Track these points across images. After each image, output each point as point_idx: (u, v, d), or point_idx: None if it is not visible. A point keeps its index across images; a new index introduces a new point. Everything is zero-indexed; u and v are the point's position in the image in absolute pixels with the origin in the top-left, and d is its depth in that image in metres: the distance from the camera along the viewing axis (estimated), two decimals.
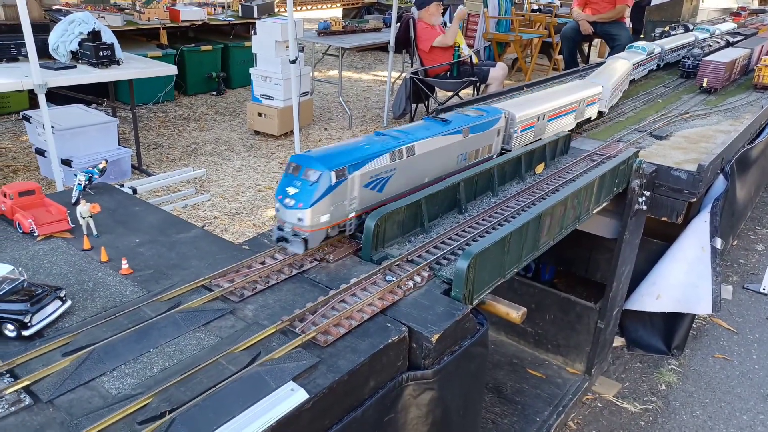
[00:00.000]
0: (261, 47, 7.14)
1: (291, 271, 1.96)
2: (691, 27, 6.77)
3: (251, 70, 7.23)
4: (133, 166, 6.00)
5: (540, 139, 2.89)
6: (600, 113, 3.61)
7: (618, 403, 3.46)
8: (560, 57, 10.45)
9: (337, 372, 1.49)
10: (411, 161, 2.08)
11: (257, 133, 7.30)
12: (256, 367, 1.46)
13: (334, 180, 1.75)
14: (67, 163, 5.28)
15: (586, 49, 11.27)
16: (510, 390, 3.08)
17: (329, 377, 1.47)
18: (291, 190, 1.78)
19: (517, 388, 3.11)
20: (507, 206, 2.49)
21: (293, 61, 6.06)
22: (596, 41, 11.05)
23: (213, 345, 1.56)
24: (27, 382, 1.35)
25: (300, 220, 1.78)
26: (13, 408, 1.29)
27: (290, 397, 1.38)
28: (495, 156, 2.70)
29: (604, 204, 2.90)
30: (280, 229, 1.85)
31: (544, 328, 3.47)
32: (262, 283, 1.87)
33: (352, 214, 1.91)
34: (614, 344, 3.89)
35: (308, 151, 1.84)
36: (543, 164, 2.92)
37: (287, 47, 6.41)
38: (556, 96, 3.15)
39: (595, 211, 2.81)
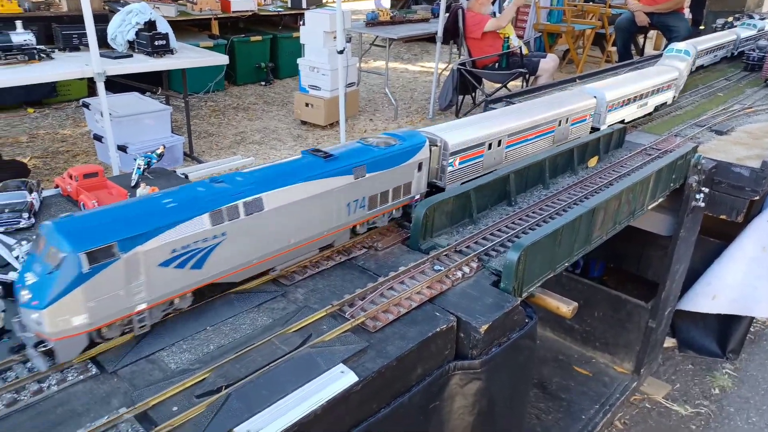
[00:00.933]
0: (309, 38, 7.21)
1: (340, 258, 1.98)
2: (756, 17, 6.43)
3: (299, 61, 7.32)
4: (185, 153, 6.19)
5: (495, 170, 2.36)
6: (594, 129, 3.02)
7: (668, 404, 3.36)
8: (613, 49, 10.13)
9: (386, 357, 1.50)
10: (254, 221, 1.53)
11: (304, 123, 7.40)
12: (307, 349, 1.49)
13: (86, 265, 1.22)
14: (122, 148, 5.48)
15: (641, 41, 10.88)
16: (555, 386, 3.03)
17: (378, 362, 1.48)
18: (29, 278, 1.25)
19: (562, 385, 3.06)
20: (558, 199, 2.45)
21: (341, 52, 6.09)
22: (652, 33, 10.64)
23: (266, 325, 1.60)
24: (94, 353, 1.42)
25: (39, 324, 1.25)
26: (81, 376, 1.36)
27: (340, 378, 1.41)
28: (418, 197, 2.11)
29: (660, 200, 2.81)
30: (23, 329, 1.30)
31: (592, 325, 3.40)
32: (312, 268, 1.91)
33: (143, 305, 1.38)
34: (665, 345, 3.77)
35: (67, 215, 1.32)
36: (597, 157, 2.85)
37: (335, 38, 6.44)
38: (522, 114, 2.56)
39: (650, 207, 2.72)
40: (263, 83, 9.25)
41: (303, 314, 1.65)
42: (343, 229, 1.87)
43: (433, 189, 2.24)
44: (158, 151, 2.61)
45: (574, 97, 2.95)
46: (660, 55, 4.15)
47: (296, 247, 1.73)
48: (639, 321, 3.22)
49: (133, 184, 2.42)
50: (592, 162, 2.84)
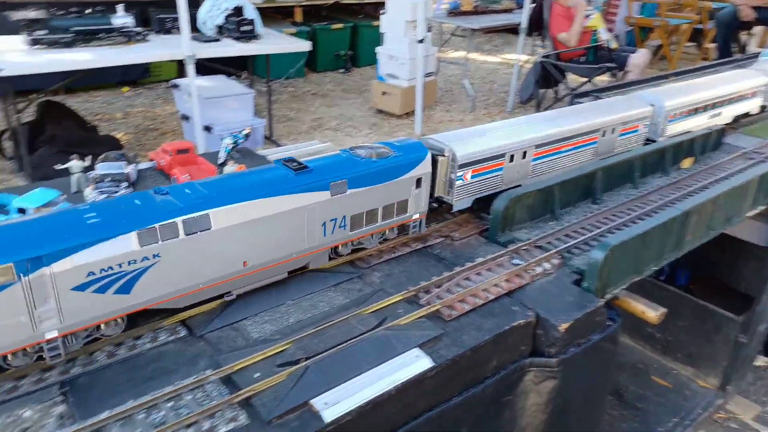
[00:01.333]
0: (389, 26, 7.22)
1: (416, 245, 1.98)
2: None
3: (378, 49, 7.35)
4: (265, 137, 6.39)
5: (520, 185, 2.09)
6: (649, 141, 2.64)
7: (757, 427, 3.12)
8: (712, 45, 9.47)
9: (461, 346, 1.49)
10: (198, 241, 1.33)
11: (380, 111, 7.44)
12: (383, 330, 1.50)
13: None
14: (207, 128, 5.73)
15: (743, 37, 10.10)
16: (631, 395, 2.89)
17: (453, 350, 1.47)
18: None
19: (639, 394, 2.92)
20: (648, 200, 2.33)
21: (421, 41, 6.06)
22: (758, 29, 9.84)
23: (342, 305, 1.63)
24: (183, 317, 1.50)
25: None
26: (172, 337, 1.44)
27: (415, 362, 1.41)
28: (417, 217, 1.84)
29: (761, 208, 2.60)
30: None
31: (674, 335, 3.21)
32: (388, 253, 1.92)
33: (53, 333, 1.21)
34: (757, 363, 3.50)
35: None
36: (693, 158, 2.68)
37: (415, 27, 6.41)
38: (555, 122, 2.21)
39: (748, 215, 2.54)
40: (342, 71, 9.37)
41: (379, 297, 1.66)
42: (317, 251, 1.64)
43: (440, 205, 2.01)
44: (245, 132, 2.71)
45: (626, 103, 2.56)
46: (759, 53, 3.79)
47: (255, 270, 1.50)
48: (728, 335, 3.01)
49: (221, 161, 2.52)
50: (686, 163, 2.67)
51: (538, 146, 2.13)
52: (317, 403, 1.27)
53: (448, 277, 1.76)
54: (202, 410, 1.20)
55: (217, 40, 5.95)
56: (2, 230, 1.17)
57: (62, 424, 1.18)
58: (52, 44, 4.84)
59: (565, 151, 2.26)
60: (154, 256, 1.28)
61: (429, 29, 7.29)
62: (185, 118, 6.25)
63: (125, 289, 1.27)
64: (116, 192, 2.25)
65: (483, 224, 2.11)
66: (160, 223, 1.27)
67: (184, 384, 1.27)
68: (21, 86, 4.98)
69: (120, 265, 1.23)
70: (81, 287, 1.21)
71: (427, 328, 1.53)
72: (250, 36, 6.01)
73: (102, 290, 1.24)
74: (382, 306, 1.61)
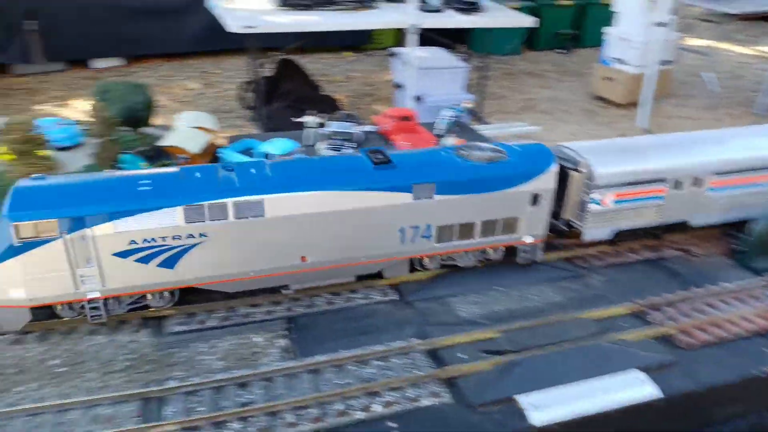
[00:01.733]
0: (625, 5, 6.56)
1: (647, 254, 1.76)
2: None
3: (607, 30, 6.75)
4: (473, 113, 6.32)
5: (686, 222, 1.62)
6: None
7: None
8: None
9: (697, 382, 1.28)
10: (250, 227, 1.21)
11: (599, 98, 6.87)
12: (602, 341, 1.36)
13: (14, 237, 1.06)
14: (418, 98, 5.84)
15: None
16: None
17: (687, 383, 1.27)
18: None
19: None
20: None
21: (662, 24, 5.38)
22: None
23: (557, 302, 1.52)
24: (396, 281, 1.53)
25: None
26: (384, 298, 1.48)
27: (639, 386, 1.24)
28: (529, 240, 1.53)
29: None
30: None
31: None
32: (612, 257, 1.73)
33: (95, 294, 1.18)
34: None
35: (37, 176, 1.18)
36: None
37: (657, 7, 5.72)
38: (750, 142, 1.61)
39: None
40: (562, 51, 8.85)
41: (599, 303, 1.52)
42: (393, 259, 1.45)
43: (570, 230, 1.67)
44: (466, 105, 2.67)
45: None
46: None
47: (315, 268, 1.38)
48: None
49: (441, 133, 2.52)
50: None
51: (718, 173, 1.65)
52: (523, 401, 1.19)
53: (684, 297, 1.54)
54: (408, 377, 1.21)
55: (440, 11, 5.96)
56: (52, 188, 1.21)
57: (284, 356, 1.28)
58: (297, 6, 5.31)
59: (761, 185, 1.71)
60: (200, 235, 1.23)
61: (675, 12, 6.45)
62: (398, 86, 6.45)
63: (169, 263, 1.26)
64: (340, 150, 2.39)
65: (732, 242, 1.80)
66: (209, 202, 1.23)
67: (393, 347, 1.29)
68: (265, 43, 5.58)
69: (164, 239, 1.20)
70: (123, 254, 1.21)
71: (655, 351, 1.35)
72: (473, 8, 5.91)
73: (145, 260, 1.24)
74: (602, 314, 1.47)
